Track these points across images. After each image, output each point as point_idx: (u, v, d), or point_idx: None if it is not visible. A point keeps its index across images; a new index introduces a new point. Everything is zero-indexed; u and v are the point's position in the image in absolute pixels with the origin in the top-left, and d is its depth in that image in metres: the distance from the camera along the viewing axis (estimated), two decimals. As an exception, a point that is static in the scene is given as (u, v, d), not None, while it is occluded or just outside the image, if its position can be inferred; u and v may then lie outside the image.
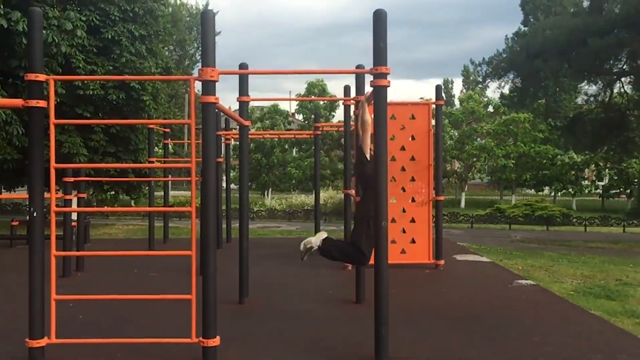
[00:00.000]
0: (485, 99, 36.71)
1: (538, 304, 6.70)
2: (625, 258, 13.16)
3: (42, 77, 4.39)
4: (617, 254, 14.29)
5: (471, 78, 61.44)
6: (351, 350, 4.88)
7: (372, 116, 4.60)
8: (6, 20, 11.86)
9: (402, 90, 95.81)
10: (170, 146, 14.44)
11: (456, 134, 34.95)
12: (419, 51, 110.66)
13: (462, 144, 34.11)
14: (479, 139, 34.48)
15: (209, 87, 4.36)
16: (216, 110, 4.75)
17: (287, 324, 5.73)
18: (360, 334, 5.21)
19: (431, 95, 9.72)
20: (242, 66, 6.25)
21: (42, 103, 4.39)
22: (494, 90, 62.51)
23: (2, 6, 11.84)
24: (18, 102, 4.60)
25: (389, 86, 4.45)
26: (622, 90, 19.18)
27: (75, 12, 14.23)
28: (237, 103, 6.64)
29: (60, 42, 13.17)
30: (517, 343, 5.09)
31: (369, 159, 5.25)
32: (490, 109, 36.33)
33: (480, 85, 36.25)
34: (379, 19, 4.41)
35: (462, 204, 33.33)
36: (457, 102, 49.97)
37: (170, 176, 15.44)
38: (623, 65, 18.06)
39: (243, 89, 6.51)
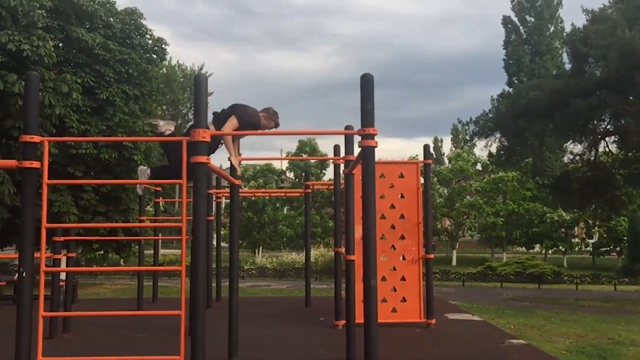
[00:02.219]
0: (474, 157, 37.23)
1: (530, 364, 6.65)
2: (617, 317, 13.11)
3: (37, 138, 4.48)
4: (609, 312, 14.23)
5: (460, 137, 62.41)
6: (341, 412, 4.81)
7: (361, 176, 4.68)
8: (2, 82, 12.09)
9: (392, 149, 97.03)
10: (161, 204, 14.47)
11: (446, 191, 35.24)
12: (408, 110, 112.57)
13: (452, 201, 34.35)
14: (468, 197, 34.75)
15: (200, 147, 4.46)
16: (207, 170, 4.83)
17: (277, 386, 5.64)
18: (350, 396, 5.13)
19: (421, 154, 9.91)
20: (234, 127, 6.38)
21: (35, 164, 4.46)
22: (482, 149, 63.48)
23: (-1, 69, 12.11)
24: (12, 163, 4.67)
25: (376, 146, 4.58)
26: (607, 149, 19.59)
27: (71, 75, 14.54)
28: (228, 161, 6.77)
29: (55, 104, 13.39)
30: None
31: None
32: (479, 167, 36.79)
33: (468, 144, 36.85)
34: (366, 82, 4.58)
35: (454, 262, 33.22)
36: (446, 161, 50.59)
37: (160, 235, 15.39)
38: (607, 125, 18.52)
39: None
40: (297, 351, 7.36)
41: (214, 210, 12.85)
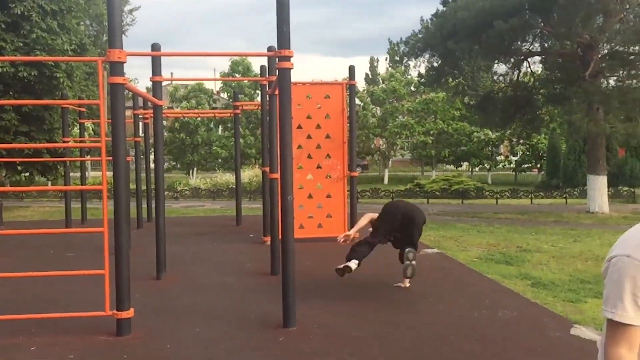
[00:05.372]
0: (408, 77, 37.66)
1: (440, 270, 7.26)
2: (529, 227, 14.15)
3: (-57, 57, 4.36)
4: (523, 224, 15.30)
5: (396, 57, 62.61)
6: (263, 318, 5.19)
7: (278, 97, 4.83)
8: None
9: (331, 67, 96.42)
10: (91, 126, 14.14)
11: (379, 112, 35.75)
12: (346, 29, 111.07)
13: (385, 121, 34.97)
14: (400, 117, 35.44)
15: (116, 68, 4.48)
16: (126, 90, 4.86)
17: (203, 296, 5.97)
18: (273, 304, 5.51)
19: (358, 73, 10.01)
20: (154, 47, 6.33)
21: (-56, 83, 4.36)
22: (413, 69, 63.87)
23: None
24: None
25: (292, 68, 4.72)
26: (529, 69, 20.32)
27: (-19, -14, 13.58)
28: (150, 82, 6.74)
29: (-35, 18, 12.56)
30: (407, 297, 5.55)
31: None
32: (412, 87, 37.32)
33: (404, 64, 37.16)
34: (282, 5, 4.66)
35: (386, 180, 34.27)
36: (381, 81, 50.93)
37: (89, 156, 15.11)
38: (530, 46, 19.10)
39: (156, 69, 6.61)
40: (225, 266, 7.70)
41: (142, 131, 12.73)
